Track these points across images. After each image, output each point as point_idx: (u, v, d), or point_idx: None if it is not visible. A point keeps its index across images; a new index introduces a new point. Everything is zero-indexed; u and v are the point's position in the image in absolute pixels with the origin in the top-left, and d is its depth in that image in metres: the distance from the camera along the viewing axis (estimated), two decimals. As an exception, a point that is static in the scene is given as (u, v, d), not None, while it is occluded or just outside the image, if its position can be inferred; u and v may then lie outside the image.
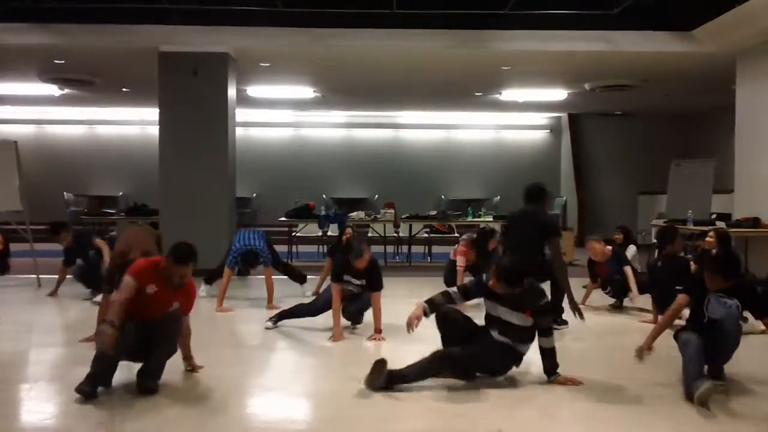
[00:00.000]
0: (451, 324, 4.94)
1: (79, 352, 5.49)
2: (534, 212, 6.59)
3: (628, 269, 7.69)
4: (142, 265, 4.69)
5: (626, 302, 7.88)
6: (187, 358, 4.99)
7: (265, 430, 3.88)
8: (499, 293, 4.77)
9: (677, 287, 5.32)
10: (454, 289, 5.07)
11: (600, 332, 6.70)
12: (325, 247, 13.20)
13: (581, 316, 6.21)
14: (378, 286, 6.31)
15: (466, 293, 5.00)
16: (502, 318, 4.79)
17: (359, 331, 6.49)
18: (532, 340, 4.82)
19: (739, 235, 9.93)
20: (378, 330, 6.21)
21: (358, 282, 6.38)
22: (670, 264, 7.01)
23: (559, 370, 4.78)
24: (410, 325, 4.83)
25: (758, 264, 9.47)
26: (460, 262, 8.03)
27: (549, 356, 4.77)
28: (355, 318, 6.63)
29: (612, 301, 7.98)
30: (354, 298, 6.46)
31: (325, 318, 6.78)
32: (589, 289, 8.18)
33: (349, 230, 8.78)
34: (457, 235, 12.56)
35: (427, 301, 4.95)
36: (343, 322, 6.37)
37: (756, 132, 9.97)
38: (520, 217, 6.69)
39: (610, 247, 7.98)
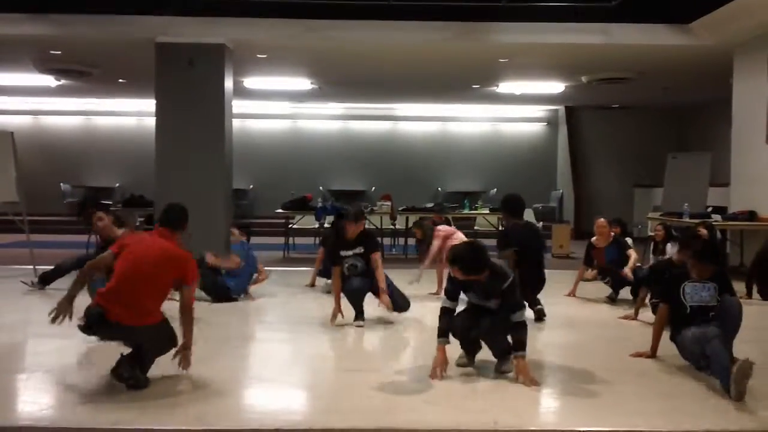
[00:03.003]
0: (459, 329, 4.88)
1: (76, 342, 5.50)
2: (534, 227, 7.00)
3: (632, 252, 7.79)
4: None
5: (622, 294, 7.90)
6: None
7: (262, 421, 3.89)
8: (469, 282, 4.69)
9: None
10: (444, 300, 4.85)
11: (595, 324, 6.72)
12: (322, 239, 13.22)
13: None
14: (375, 247, 6.42)
15: (453, 295, 4.82)
16: (483, 306, 4.78)
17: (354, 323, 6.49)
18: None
19: (734, 228, 9.98)
20: (383, 291, 6.23)
21: (355, 252, 6.37)
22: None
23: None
24: (436, 375, 4.67)
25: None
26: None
27: (517, 330, 4.63)
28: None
29: (608, 292, 7.97)
30: (364, 275, 6.40)
31: (322, 308, 6.81)
32: (580, 275, 8.22)
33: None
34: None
35: (440, 338, 4.76)
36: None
37: (752, 125, 9.98)
38: (531, 235, 6.91)
39: (613, 233, 8.03)
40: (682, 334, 4.86)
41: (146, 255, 4.46)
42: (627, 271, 7.57)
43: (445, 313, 4.80)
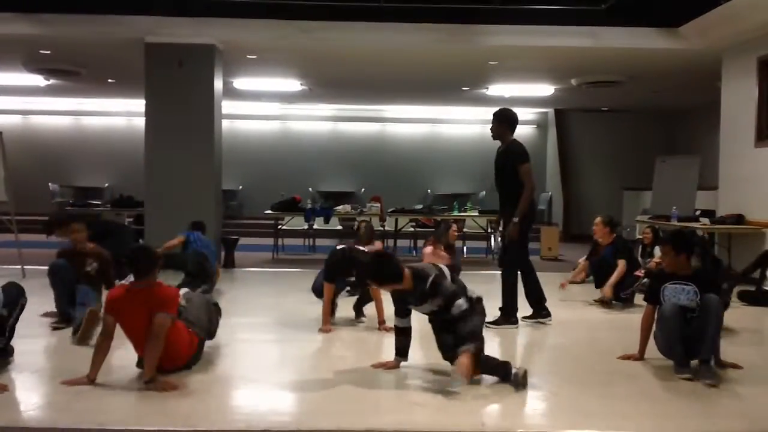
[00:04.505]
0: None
1: (63, 343, 5.48)
2: (512, 144, 6.51)
3: (622, 263, 7.51)
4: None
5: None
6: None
7: (250, 422, 3.88)
8: (402, 294, 4.66)
9: None
10: (395, 320, 4.85)
11: (583, 326, 6.74)
12: (311, 240, 13.20)
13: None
14: None
15: (400, 312, 4.80)
16: (433, 314, 4.74)
17: (344, 324, 6.49)
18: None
19: (722, 232, 10.03)
20: (382, 321, 6.20)
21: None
22: None
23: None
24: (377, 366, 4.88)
25: (741, 261, 9.52)
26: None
27: (462, 323, 4.48)
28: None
29: (597, 294, 7.96)
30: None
31: (310, 309, 6.79)
32: (581, 267, 8.27)
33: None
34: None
35: (398, 355, 4.88)
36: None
37: (740, 129, 10.03)
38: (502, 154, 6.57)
39: (614, 234, 8.01)
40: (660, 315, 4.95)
41: (137, 320, 4.47)
42: (606, 289, 7.48)
43: (398, 332, 4.88)
